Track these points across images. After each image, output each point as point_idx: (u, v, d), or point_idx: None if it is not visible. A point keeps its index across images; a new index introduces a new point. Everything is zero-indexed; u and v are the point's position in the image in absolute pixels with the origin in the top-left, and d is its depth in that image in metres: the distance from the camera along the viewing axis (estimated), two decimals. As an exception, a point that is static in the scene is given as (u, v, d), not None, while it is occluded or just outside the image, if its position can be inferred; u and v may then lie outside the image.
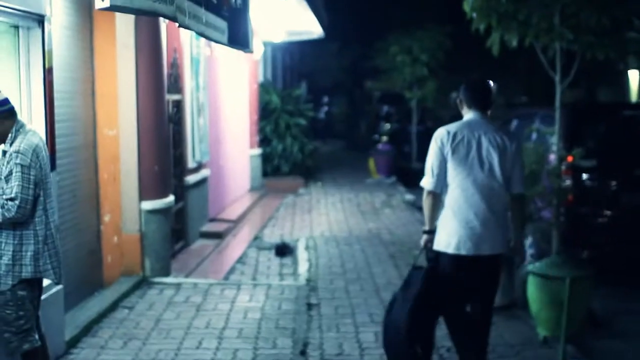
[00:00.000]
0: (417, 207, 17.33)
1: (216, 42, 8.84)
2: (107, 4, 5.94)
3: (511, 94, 59.74)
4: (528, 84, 45.51)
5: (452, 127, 6.42)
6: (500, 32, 8.70)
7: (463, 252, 6.24)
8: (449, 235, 6.28)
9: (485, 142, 6.33)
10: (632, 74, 45.47)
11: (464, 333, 6.48)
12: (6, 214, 5.55)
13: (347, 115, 36.63)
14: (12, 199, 5.56)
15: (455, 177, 6.31)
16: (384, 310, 6.98)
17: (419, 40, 23.40)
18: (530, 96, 43.72)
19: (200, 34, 7.94)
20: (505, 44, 8.77)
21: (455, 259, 6.26)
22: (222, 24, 8.41)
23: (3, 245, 5.68)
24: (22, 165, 5.60)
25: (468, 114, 6.52)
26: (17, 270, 5.69)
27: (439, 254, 6.33)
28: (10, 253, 5.67)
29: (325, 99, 42.58)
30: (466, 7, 8.75)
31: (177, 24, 7.09)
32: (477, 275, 6.36)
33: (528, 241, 10.58)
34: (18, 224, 5.66)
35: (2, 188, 5.64)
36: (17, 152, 5.62)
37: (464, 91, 6.56)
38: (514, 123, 13.19)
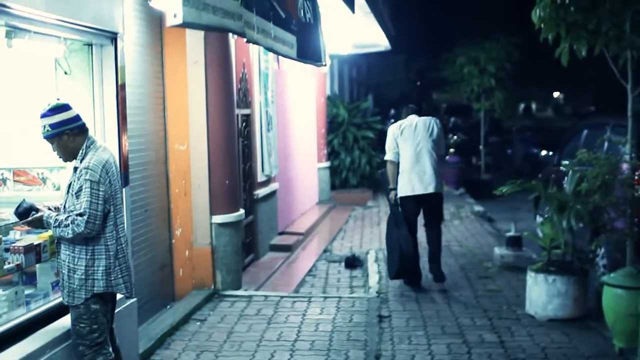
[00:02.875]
0: (486, 218, 17.26)
1: (285, 56, 8.91)
2: (179, 20, 6.05)
3: (580, 104, 59.10)
4: (597, 93, 45.06)
5: (400, 122, 10.72)
6: (569, 42, 8.62)
7: (417, 192, 10.38)
8: (406, 184, 10.42)
9: (420, 127, 10.50)
10: None
11: (428, 236, 10.82)
12: (76, 229, 5.65)
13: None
14: (81, 215, 5.65)
15: (406, 149, 10.43)
16: (387, 242, 10.78)
17: (486, 51, 23.25)
18: (598, 106, 43.33)
19: (269, 49, 8.02)
20: (575, 53, 8.67)
21: (413, 197, 10.42)
22: (291, 38, 8.48)
23: (76, 260, 5.78)
24: (91, 181, 5.69)
25: (408, 118, 10.72)
26: (90, 284, 5.79)
27: (402, 198, 10.46)
28: (83, 268, 5.77)
29: (392, 112, 42.59)
30: (534, 17, 8.68)
31: (245, 39, 7.16)
32: (428, 203, 10.53)
33: (601, 252, 10.48)
34: (90, 239, 5.75)
35: (74, 204, 5.74)
36: (87, 168, 5.72)
37: (404, 112, 11.05)
38: (584, 133, 13.06)
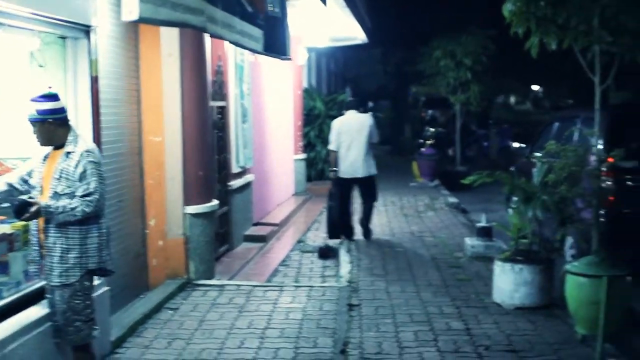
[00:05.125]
0: (460, 209, 17.43)
1: (251, 50, 9.01)
2: (134, 16, 6.14)
3: (558, 97, 59.36)
4: (574, 87, 45.19)
5: (341, 117, 13.31)
6: (538, 36, 8.75)
7: (352, 176, 13.03)
8: (344, 169, 13.01)
9: (355, 122, 13.05)
10: (681, 75, 44.89)
11: (363, 208, 13.49)
12: (86, 209, 5.94)
13: (392, 120, 36.65)
14: (90, 194, 5.95)
15: (343, 141, 12.93)
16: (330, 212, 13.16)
17: (463, 44, 23.40)
18: (576, 99, 43.46)
19: (235, 43, 8.10)
20: (545, 46, 8.80)
21: (349, 179, 13.05)
22: (258, 32, 8.57)
23: (70, 240, 6.04)
24: (94, 162, 6.05)
25: (347, 112, 13.30)
26: (84, 261, 6.10)
27: (340, 179, 13.02)
28: (78, 247, 6.06)
29: (370, 104, 42.64)
30: (505, 11, 8.81)
31: (208, 34, 7.23)
32: (360, 184, 13.28)
33: (568, 242, 10.65)
34: (84, 219, 6.00)
35: (69, 187, 6.00)
36: (88, 151, 6.07)
37: (345, 106, 13.84)
38: (556, 125, 13.24)
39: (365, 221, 13.50)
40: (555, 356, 7.55)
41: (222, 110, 12.24)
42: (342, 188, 13.12)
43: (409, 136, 34.21)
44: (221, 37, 7.52)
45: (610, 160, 9.37)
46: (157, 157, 10.04)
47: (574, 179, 8.87)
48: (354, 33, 21.42)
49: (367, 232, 13.51)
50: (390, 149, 34.43)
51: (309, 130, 20.88)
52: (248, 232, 13.61)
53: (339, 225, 13.17)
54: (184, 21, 6.59)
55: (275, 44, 9.50)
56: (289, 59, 10.24)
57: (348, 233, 13.39)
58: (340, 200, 13.05)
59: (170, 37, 9.90)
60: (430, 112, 38.76)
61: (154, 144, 9.99)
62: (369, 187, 13.38)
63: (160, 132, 10.04)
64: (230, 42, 8.03)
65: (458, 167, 23.79)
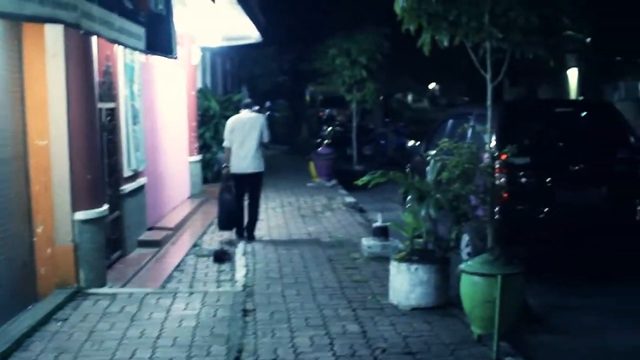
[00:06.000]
0: (357, 209, 17.40)
1: (132, 48, 8.74)
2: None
3: (454, 94, 60.20)
4: (469, 84, 45.83)
5: (235, 116, 14.02)
6: (430, 33, 8.72)
7: (242, 171, 13.62)
8: (236, 164, 13.61)
9: (247, 122, 13.64)
10: (571, 72, 46.02)
11: (249, 205, 13.90)
12: None
13: (289, 119, 36.58)
14: None
15: (236, 138, 13.56)
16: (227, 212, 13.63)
17: (358, 42, 23.40)
18: (471, 96, 44.05)
19: (114, 41, 7.79)
20: (437, 44, 8.77)
21: (239, 175, 13.63)
22: (139, 30, 8.29)
23: None
24: None
25: (241, 112, 13.96)
26: None
27: (232, 174, 13.63)
28: None
29: (268, 104, 42.47)
30: (397, 8, 8.76)
31: (81, 31, 6.91)
32: (249, 181, 13.72)
33: (464, 240, 10.66)
34: None
35: None
36: None
37: (241, 106, 14.27)
38: (450, 123, 13.27)
39: (252, 222, 13.97)
40: (452, 357, 7.51)
41: (112, 112, 11.91)
42: (235, 183, 13.72)
43: (306, 135, 34.12)
44: (98, 35, 7.21)
45: (503, 157, 9.38)
46: (43, 162, 9.70)
47: (467, 177, 8.82)
48: (247, 32, 21.24)
49: (250, 235, 13.90)
50: (288, 148, 34.34)
51: (205, 131, 20.61)
52: (142, 237, 13.29)
53: (230, 218, 13.75)
54: (54, 17, 6.21)
55: (159, 42, 9.23)
56: (175, 58, 9.96)
57: (239, 225, 13.93)
58: (234, 194, 13.66)
59: (55, 37, 9.57)
60: (327, 110, 38.80)
61: (39, 148, 9.65)
62: (256, 183, 13.93)
63: (46, 135, 9.70)
64: (109, 40, 7.71)
65: (355, 167, 23.78)
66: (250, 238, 13.76)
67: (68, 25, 6.97)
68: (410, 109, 55.48)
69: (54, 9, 6.19)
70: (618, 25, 33.99)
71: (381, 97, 29.85)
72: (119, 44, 8.04)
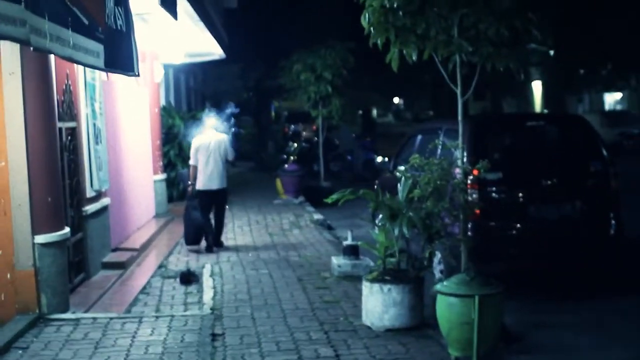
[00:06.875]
0: (326, 226, 17.16)
1: (90, 66, 8.44)
2: None
3: (419, 109, 60.25)
4: (434, 98, 45.94)
5: (200, 136, 14.59)
6: (398, 47, 8.53)
7: (208, 188, 14.40)
8: (202, 182, 14.38)
9: (212, 140, 14.50)
10: (535, 85, 46.23)
11: (215, 217, 14.73)
12: None
13: (254, 136, 36.31)
14: None
15: (201, 157, 14.36)
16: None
17: (322, 57, 23.17)
18: (437, 110, 44.14)
19: (68, 59, 7.45)
20: (405, 59, 8.59)
21: (206, 191, 14.42)
22: (97, 46, 7.96)
23: None
24: None
25: (206, 133, 14.63)
26: None
27: (199, 191, 14.42)
28: None
29: (232, 121, 42.16)
30: (363, 22, 8.58)
31: (31, 48, 6.58)
32: (215, 197, 14.57)
33: (436, 258, 10.43)
34: None
35: None
36: None
37: (205, 127, 14.79)
38: (419, 138, 13.07)
39: (219, 232, 14.91)
40: (429, 380, 7.27)
41: (73, 132, 11.59)
42: (202, 200, 14.52)
43: (272, 152, 33.85)
44: (50, 52, 6.88)
45: (475, 172, 9.19)
46: (1, 184, 9.39)
47: (439, 194, 8.62)
48: (210, 48, 21.02)
49: (219, 242, 14.78)
50: (254, 165, 34.06)
51: (169, 149, 20.32)
52: (106, 259, 12.95)
53: (197, 233, 14.60)
54: (3, 33, 5.88)
55: (120, 60, 8.91)
56: (137, 75, 9.65)
57: (207, 240, 14.65)
58: (201, 210, 14.44)
59: (12, 54, 9.28)
60: (292, 126, 38.59)
61: (-3, 170, 9.34)
62: (222, 198, 14.89)
63: (4, 156, 9.41)
64: (63, 57, 7.38)
65: (322, 183, 23.53)
66: (219, 245, 14.67)
67: (17, 42, 6.64)
68: (375, 124, 55.41)
69: (0, 23, 5.85)
70: (580, 37, 34.11)
71: (360, 112, 29.64)
72: (74, 61, 7.69)
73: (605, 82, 41.45)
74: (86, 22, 7.57)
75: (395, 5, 8.31)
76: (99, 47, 8.03)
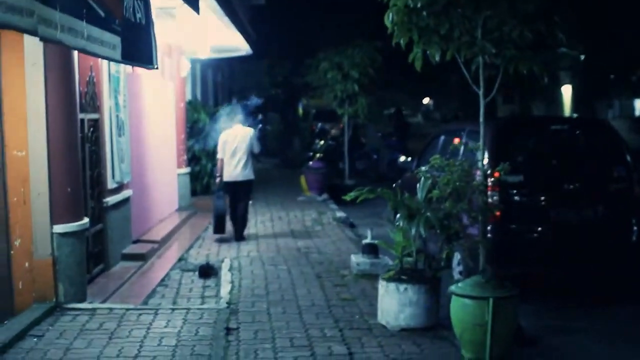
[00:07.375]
0: (348, 224, 17.12)
1: (106, 58, 8.43)
2: None
3: (447, 110, 60.08)
4: (462, 100, 45.70)
5: (227, 131, 15.04)
6: (421, 47, 8.48)
7: (234, 179, 14.92)
8: (228, 173, 14.89)
9: (239, 135, 14.93)
10: (565, 89, 45.89)
11: (239, 211, 15.19)
12: None
13: (281, 133, 36.29)
14: None
15: (228, 149, 14.86)
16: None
17: (349, 56, 23.12)
18: (465, 112, 43.90)
19: (82, 50, 7.43)
20: (428, 59, 8.54)
21: (232, 182, 14.94)
22: (113, 38, 7.94)
23: None
24: None
25: (233, 127, 15.09)
26: None
27: (225, 182, 14.95)
28: None
29: (260, 117, 42.20)
30: (387, 21, 8.53)
31: (39, 39, 6.54)
32: (240, 186, 15.04)
33: (456, 259, 10.38)
34: None
35: None
36: None
37: (234, 120, 15.30)
38: (442, 139, 13.02)
39: (241, 225, 15.37)
40: (441, 382, 7.23)
41: (95, 123, 11.63)
42: (229, 191, 15.13)
43: (298, 149, 33.82)
44: (60, 43, 6.84)
45: (496, 175, 9.13)
46: (21, 173, 9.44)
47: (459, 195, 8.57)
48: (237, 44, 21.01)
49: (240, 236, 15.23)
50: (279, 162, 34.06)
51: (194, 144, 20.35)
52: (126, 251, 12.99)
53: (222, 223, 15.09)
54: (7, 23, 5.83)
55: (138, 52, 8.90)
56: (155, 68, 9.64)
57: (232, 226, 15.37)
58: (229, 200, 15.12)
59: (34, 45, 9.29)
60: (320, 124, 38.53)
61: (17, 159, 9.39)
62: (246, 189, 15.34)
63: (25, 146, 9.44)
64: (74, 48, 7.37)
65: (347, 181, 23.49)
66: (240, 238, 15.10)
67: (23, 32, 6.61)
68: (409, 125, 55.31)
69: (6, 13, 5.81)
70: (611, 42, 33.86)
71: (393, 110, 29.50)
72: (88, 53, 7.66)
73: (635, 88, 41.12)
74: (102, 14, 7.55)
75: (419, 5, 8.25)
76: (115, 39, 8.02)
